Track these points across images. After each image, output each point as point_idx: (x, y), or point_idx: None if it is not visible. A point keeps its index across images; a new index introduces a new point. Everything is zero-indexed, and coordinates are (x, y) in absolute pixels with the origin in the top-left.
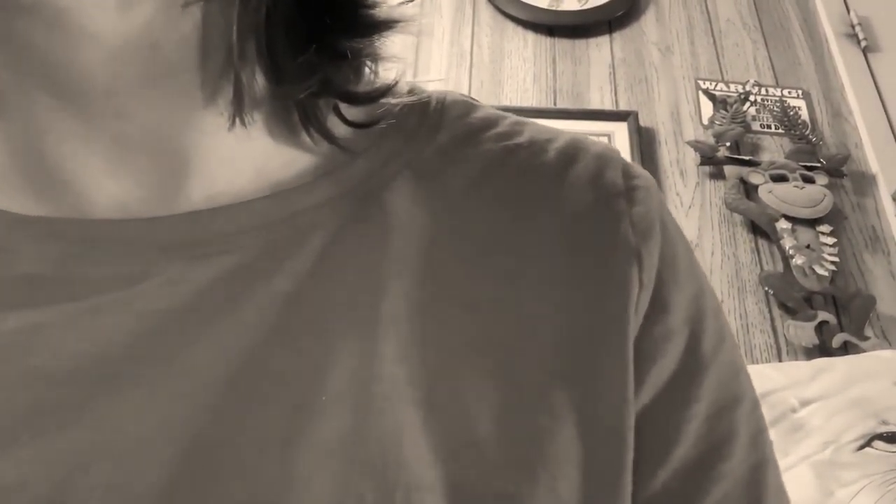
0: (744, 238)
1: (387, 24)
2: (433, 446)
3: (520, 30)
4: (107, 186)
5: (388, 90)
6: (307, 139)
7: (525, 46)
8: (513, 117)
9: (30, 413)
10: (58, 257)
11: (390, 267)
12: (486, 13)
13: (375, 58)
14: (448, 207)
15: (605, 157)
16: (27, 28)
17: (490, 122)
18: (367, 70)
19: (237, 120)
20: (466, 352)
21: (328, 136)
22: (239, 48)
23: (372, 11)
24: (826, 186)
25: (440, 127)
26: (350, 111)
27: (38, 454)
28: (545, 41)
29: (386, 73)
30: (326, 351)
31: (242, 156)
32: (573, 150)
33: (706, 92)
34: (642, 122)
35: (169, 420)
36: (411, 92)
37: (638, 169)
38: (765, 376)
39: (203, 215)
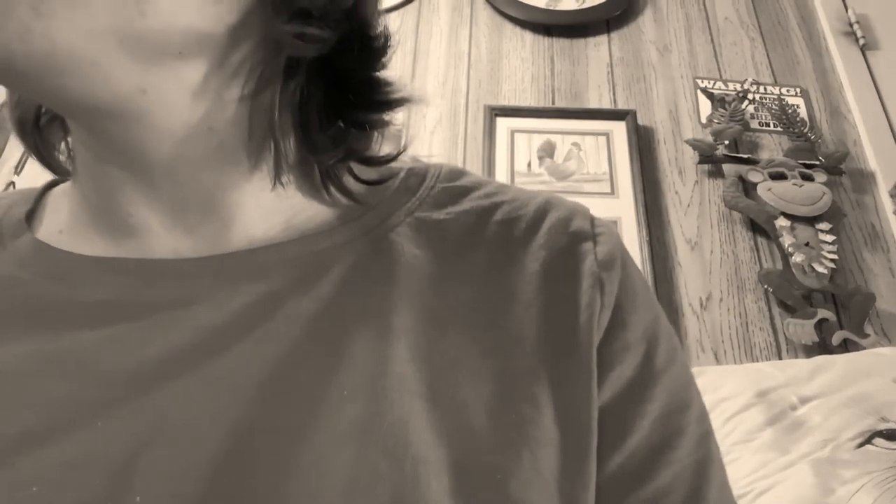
0: (743, 236)
1: (400, 102)
2: (436, 430)
3: (518, 30)
4: (164, 236)
5: (396, 157)
6: (327, 195)
7: (523, 46)
8: (497, 182)
9: (102, 403)
10: (124, 287)
11: (399, 291)
12: (484, 13)
13: (385, 126)
14: (445, 249)
15: (576, 210)
16: (109, 126)
17: (479, 184)
18: (376, 136)
19: (277, 182)
20: (464, 357)
21: (345, 192)
22: (279, 125)
23: (387, 90)
24: (825, 184)
25: (437, 186)
26: (361, 171)
27: (109, 435)
28: (543, 41)
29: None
30: (344, 355)
31: (276, 210)
32: (549, 205)
33: (704, 90)
34: (640, 121)
35: (214, 410)
36: (414, 160)
37: (602, 221)
38: (764, 374)
39: (243, 254)
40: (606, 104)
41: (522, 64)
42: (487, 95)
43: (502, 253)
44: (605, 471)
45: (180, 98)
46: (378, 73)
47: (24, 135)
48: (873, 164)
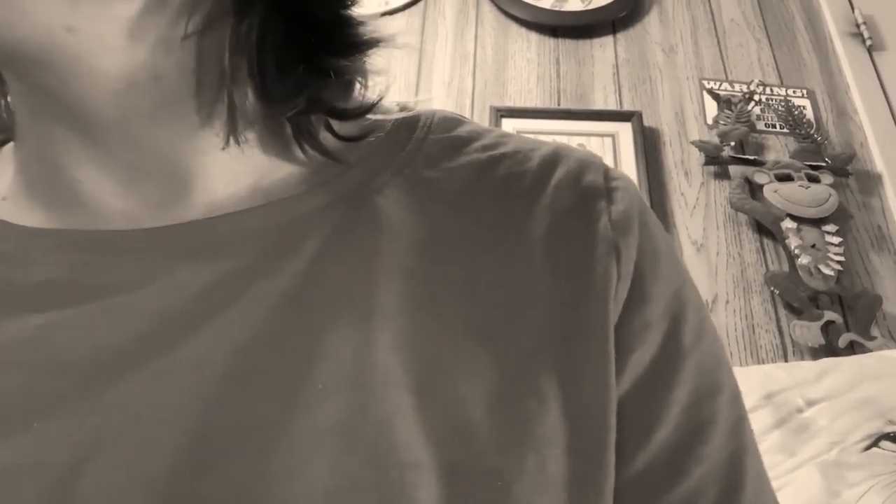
0: (749, 238)
1: (370, 43)
2: (426, 429)
3: (523, 31)
4: (116, 203)
5: (374, 105)
6: (300, 153)
7: (528, 47)
8: (498, 130)
9: (47, 399)
10: (71, 264)
11: (383, 266)
12: (490, 14)
13: (363, 74)
14: (439, 212)
15: (587, 161)
16: (42, 74)
17: (477, 135)
18: (356, 87)
19: (231, 139)
20: (458, 342)
21: (321, 150)
22: (231, 72)
23: (356, 31)
24: (831, 186)
25: (429, 139)
26: (341, 126)
27: (48, 439)
28: (549, 42)
29: (375, 87)
30: (321, 342)
31: (239, 171)
32: (555, 156)
33: (710, 92)
34: (646, 123)
35: (174, 407)
36: (402, 109)
37: (618, 172)
38: (771, 376)
39: (203, 223)
40: (612, 105)
41: (528, 65)
42: (493, 96)
43: (503, 217)
44: (627, 472)
45: (115, 39)
46: (346, 10)
47: None
48: (880, 166)
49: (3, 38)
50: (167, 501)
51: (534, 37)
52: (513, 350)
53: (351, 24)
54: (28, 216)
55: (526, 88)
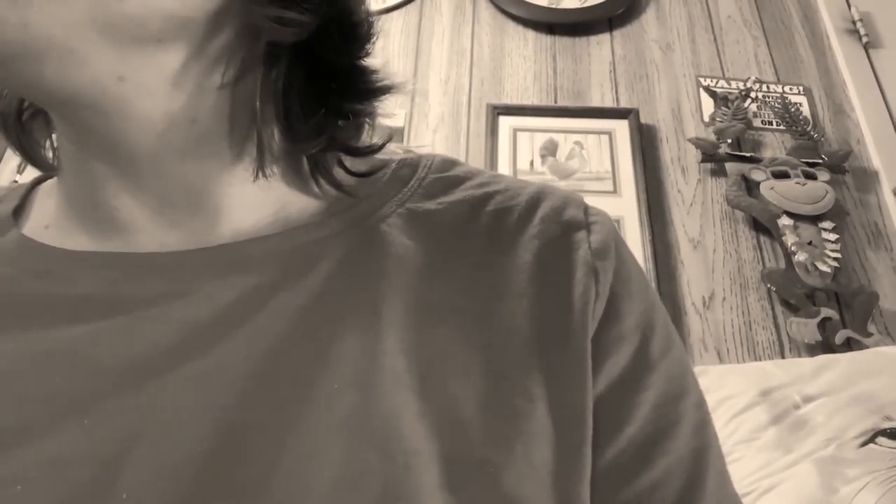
0: (746, 235)
1: (384, 90)
2: (427, 424)
3: (520, 28)
4: (151, 229)
5: (382, 146)
6: (316, 187)
7: (525, 45)
8: (490, 172)
9: (88, 399)
10: (110, 281)
11: (389, 284)
12: (486, 12)
13: (373, 117)
14: (437, 239)
15: (569, 198)
16: (91, 116)
17: (471, 174)
18: (366, 128)
19: (260, 173)
20: (455, 350)
21: (334, 184)
22: (261, 114)
23: (370, 79)
24: (828, 183)
25: (429, 177)
26: (353, 163)
27: (95, 431)
28: (545, 39)
29: (382, 128)
30: (334, 348)
31: (263, 202)
32: (541, 194)
33: (707, 89)
34: (643, 120)
35: (201, 407)
36: (406, 151)
37: (596, 209)
38: (767, 373)
39: (230, 246)
40: (609, 103)
41: (525, 62)
42: (490, 94)
43: (494, 244)
44: (601, 462)
45: (159, 86)
46: (361, 61)
47: (6, 130)
48: (877, 163)
49: (62, 87)
50: (200, 487)
51: (530, 34)
52: (503, 356)
53: (366, 72)
54: (70, 241)
55: (523, 86)
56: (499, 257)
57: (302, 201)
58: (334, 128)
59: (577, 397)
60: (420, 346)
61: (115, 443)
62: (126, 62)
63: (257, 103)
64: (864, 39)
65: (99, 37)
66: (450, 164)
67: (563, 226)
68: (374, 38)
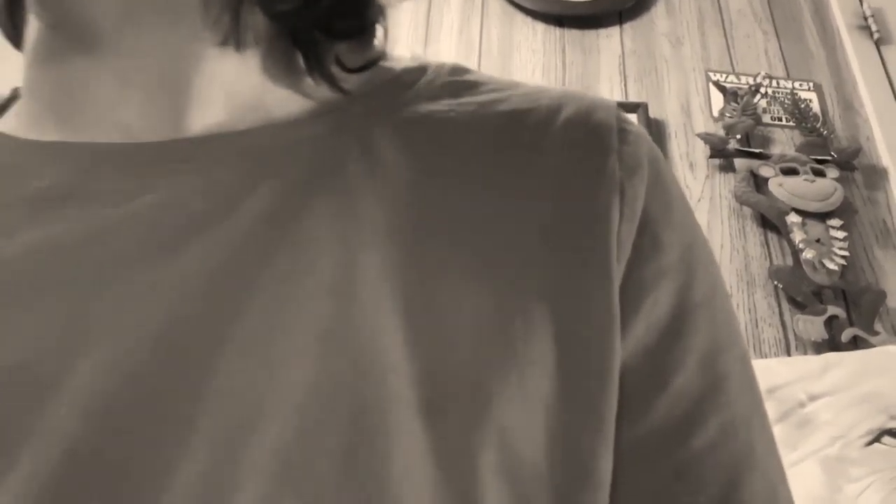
0: (753, 231)
1: None
2: (410, 341)
3: (529, 21)
4: (114, 115)
5: (384, 48)
6: (306, 81)
7: (534, 37)
8: (511, 80)
9: (32, 302)
10: (65, 174)
11: (376, 194)
12: (496, 4)
13: (381, 18)
14: (438, 148)
15: (600, 101)
16: None
17: (487, 79)
18: (369, 20)
19: (233, 44)
20: (447, 265)
21: (326, 78)
22: None
23: None
24: (837, 180)
25: (437, 82)
26: (353, 62)
27: (45, 331)
28: (555, 32)
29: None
30: (309, 257)
31: (239, 91)
32: (567, 97)
33: (717, 84)
34: (652, 114)
35: (164, 310)
36: (414, 58)
37: (631, 119)
38: (773, 371)
39: (198, 140)
40: (618, 96)
41: (533, 55)
42: None
43: (506, 147)
44: (641, 427)
45: None
46: None
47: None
48: (886, 161)
49: None
50: (140, 390)
51: (539, 27)
52: (504, 273)
53: None
54: (36, 131)
55: (531, 79)
56: (509, 166)
57: (285, 96)
58: (328, 9)
59: (597, 332)
60: (405, 258)
61: (61, 345)
62: None
63: None
64: (876, 36)
65: None
66: (463, 70)
67: (590, 130)
68: None
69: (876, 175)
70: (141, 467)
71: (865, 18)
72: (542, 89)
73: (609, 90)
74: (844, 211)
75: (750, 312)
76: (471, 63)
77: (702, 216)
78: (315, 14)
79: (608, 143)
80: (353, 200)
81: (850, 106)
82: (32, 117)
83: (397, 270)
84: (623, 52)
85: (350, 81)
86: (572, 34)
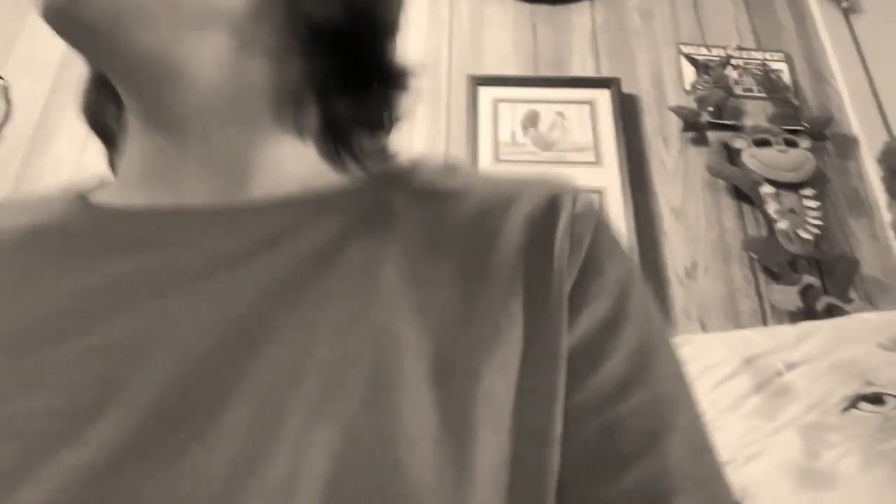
0: (727, 204)
1: (400, 80)
2: (420, 328)
3: None
4: (190, 185)
5: (393, 147)
6: (341, 161)
7: (505, 14)
8: (490, 172)
9: (114, 308)
10: (148, 229)
11: (393, 237)
12: None
13: (393, 103)
14: (437, 212)
15: (559, 178)
16: (153, 84)
17: (469, 172)
18: (386, 115)
19: (293, 134)
20: (448, 278)
21: (357, 159)
22: (300, 91)
23: (395, 67)
24: (809, 150)
25: (429, 169)
26: (374, 148)
27: (119, 330)
28: (525, 8)
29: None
30: (339, 274)
31: (290, 166)
32: (534, 175)
33: (688, 57)
34: (624, 89)
35: (217, 310)
36: (411, 157)
37: (584, 192)
38: (750, 340)
39: (256, 201)
40: (590, 72)
41: (505, 32)
42: (470, 64)
43: (489, 212)
44: (579, 395)
45: (212, 60)
46: (387, 54)
47: (86, 113)
48: (857, 129)
49: (138, 53)
50: (204, 371)
51: (510, 3)
52: (492, 285)
53: (390, 62)
54: (125, 199)
55: (503, 56)
56: (493, 222)
57: (325, 171)
58: (362, 109)
59: (552, 335)
60: (417, 273)
61: (132, 343)
62: (189, 37)
63: (297, 81)
64: (844, 4)
65: (170, 13)
66: (446, 162)
67: (552, 195)
68: (399, 32)
69: (847, 144)
70: (202, 411)
71: None
72: (517, 172)
73: (581, 66)
74: (817, 180)
75: (726, 284)
76: (442, 41)
77: (676, 190)
78: (359, 116)
79: (565, 204)
80: (378, 239)
81: (820, 76)
82: (122, 189)
83: (410, 280)
84: (594, 28)
85: (372, 163)
86: (543, 10)
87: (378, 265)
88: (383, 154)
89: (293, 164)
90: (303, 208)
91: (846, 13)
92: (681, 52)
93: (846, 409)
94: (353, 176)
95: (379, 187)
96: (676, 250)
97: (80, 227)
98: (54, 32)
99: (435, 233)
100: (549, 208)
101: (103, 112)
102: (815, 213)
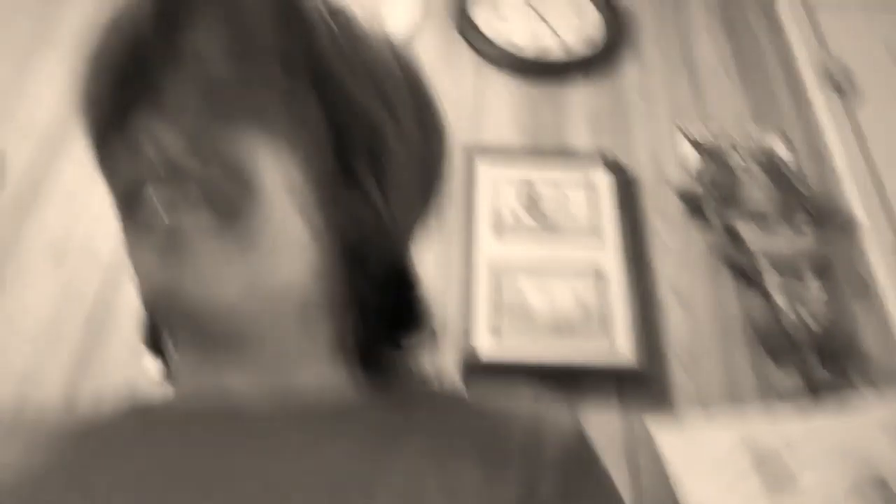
0: (730, 286)
1: (426, 319)
2: (442, 486)
3: (499, 73)
4: (240, 393)
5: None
6: (364, 378)
7: (505, 89)
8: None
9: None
10: (207, 427)
11: (409, 434)
12: (466, 55)
13: (414, 339)
14: (449, 412)
15: (547, 398)
16: (221, 324)
17: (474, 396)
18: (406, 346)
19: (337, 356)
20: (458, 455)
21: (384, 372)
22: (350, 318)
23: (421, 316)
24: (813, 235)
25: (445, 393)
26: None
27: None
28: (525, 84)
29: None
30: (371, 474)
31: (329, 382)
32: (519, 396)
33: (688, 137)
34: (624, 169)
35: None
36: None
37: (574, 414)
38: (751, 423)
39: (298, 405)
40: (588, 151)
41: (503, 107)
42: (467, 137)
43: (480, 429)
44: None
45: (281, 322)
46: (415, 304)
47: (151, 347)
48: (861, 216)
49: (226, 320)
50: None
51: (510, 79)
52: (489, 463)
53: (417, 312)
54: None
55: (500, 131)
56: (486, 440)
57: (354, 384)
58: (391, 339)
59: None
60: (433, 450)
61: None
62: (255, 291)
63: (345, 325)
64: (844, 93)
65: (253, 295)
66: (461, 391)
67: (535, 427)
68: (422, 289)
69: (851, 231)
70: None
71: (834, 75)
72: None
73: (579, 144)
74: (821, 266)
75: (726, 365)
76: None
77: (677, 271)
78: (390, 342)
79: (544, 438)
80: (393, 444)
81: (824, 162)
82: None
83: (426, 452)
84: (593, 106)
85: (393, 377)
86: (542, 87)
87: (398, 446)
88: (400, 364)
89: (329, 377)
90: (332, 414)
91: (846, 100)
92: (681, 131)
93: (852, 496)
94: (374, 386)
95: (392, 404)
96: (676, 332)
97: (138, 443)
98: (155, 315)
99: (445, 433)
100: (533, 438)
101: (159, 339)
102: (819, 299)
